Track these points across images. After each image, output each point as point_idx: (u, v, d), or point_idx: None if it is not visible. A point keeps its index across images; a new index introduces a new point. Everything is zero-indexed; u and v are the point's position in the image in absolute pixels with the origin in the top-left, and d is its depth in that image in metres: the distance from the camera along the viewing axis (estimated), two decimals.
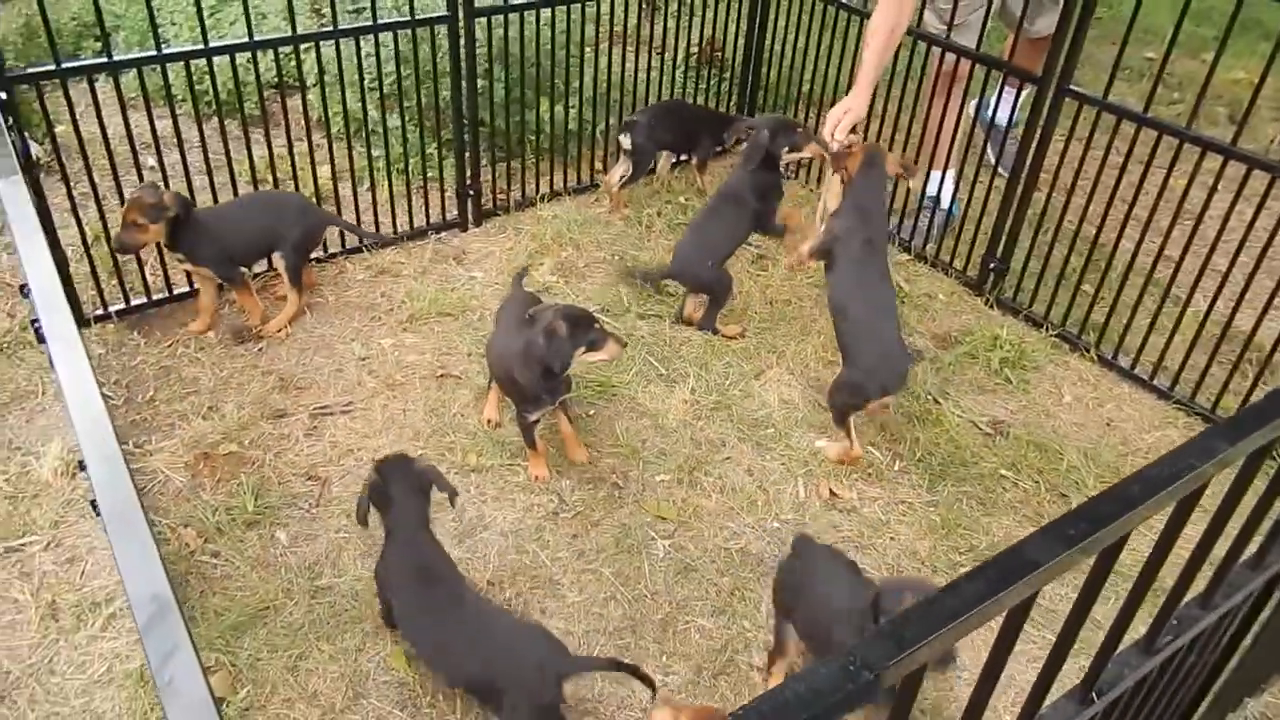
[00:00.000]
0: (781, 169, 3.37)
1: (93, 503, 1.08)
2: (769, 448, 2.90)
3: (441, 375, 3.07)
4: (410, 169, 3.84)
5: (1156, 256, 3.10)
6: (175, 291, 3.28)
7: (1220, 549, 1.27)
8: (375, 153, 3.55)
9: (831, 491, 2.77)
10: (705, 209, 3.37)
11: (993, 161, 4.01)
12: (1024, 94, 3.99)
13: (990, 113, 4.01)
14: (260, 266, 3.36)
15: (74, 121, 2.95)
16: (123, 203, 3.08)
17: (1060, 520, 0.88)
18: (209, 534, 2.50)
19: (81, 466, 2.08)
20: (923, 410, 3.04)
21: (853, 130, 3.30)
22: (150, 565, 0.80)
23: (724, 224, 3.29)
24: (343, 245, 3.58)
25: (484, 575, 2.46)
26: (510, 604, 2.39)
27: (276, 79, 3.63)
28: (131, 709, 2.08)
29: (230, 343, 3.13)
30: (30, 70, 2.85)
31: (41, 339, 1.43)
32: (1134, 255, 3.17)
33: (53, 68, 2.78)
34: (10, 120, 2.63)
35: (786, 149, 3.30)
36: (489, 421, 2.89)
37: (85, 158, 3.01)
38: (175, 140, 3.21)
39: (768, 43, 4.28)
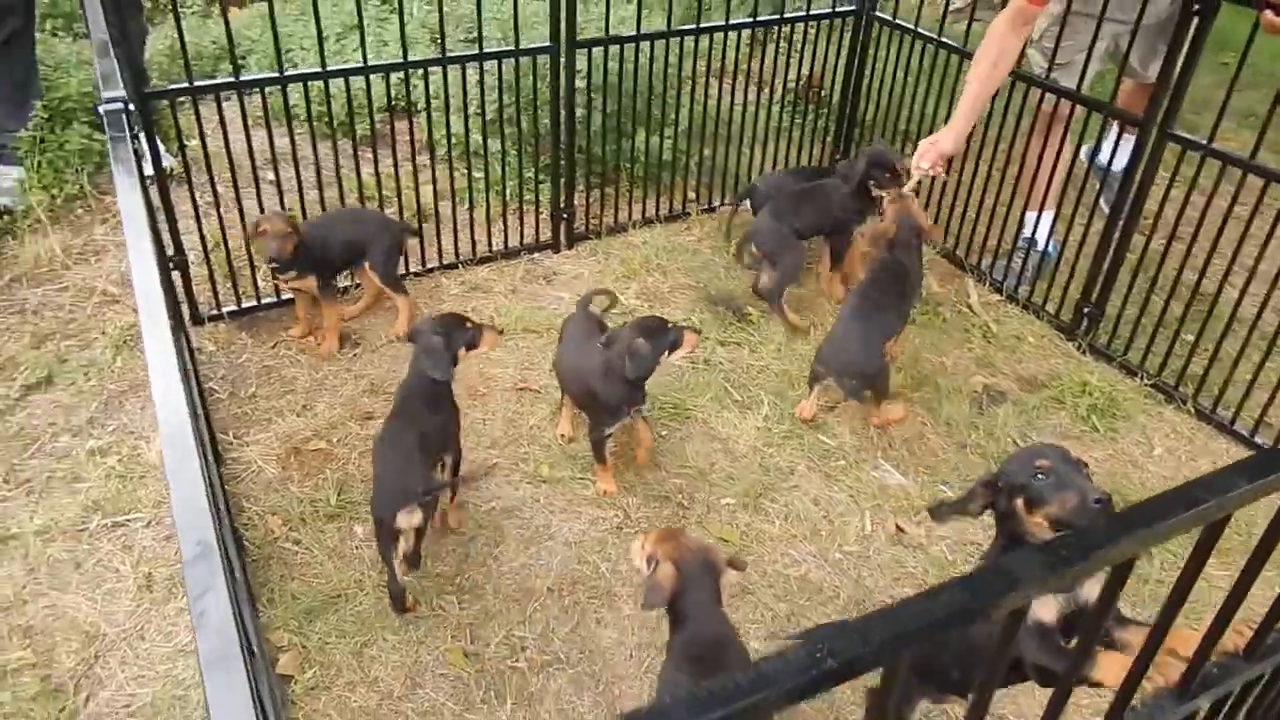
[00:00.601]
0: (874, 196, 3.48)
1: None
2: (838, 479, 2.89)
3: (522, 389, 3.18)
4: (508, 191, 4.00)
5: (1262, 307, 2.98)
6: (282, 297, 3.49)
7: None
8: (476, 174, 3.72)
9: (899, 527, 2.74)
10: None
11: (1105, 210, 3.90)
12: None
13: (1104, 158, 3.91)
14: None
15: (201, 136, 3.20)
16: (242, 214, 3.32)
17: (1057, 541, 0.89)
18: (293, 523, 2.65)
19: None
20: (1000, 452, 2.98)
21: (945, 167, 3.31)
22: (200, 512, 0.89)
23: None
24: (440, 261, 3.75)
25: (545, 582, 2.53)
26: (567, 611, 2.45)
27: (387, 103, 3.84)
28: None
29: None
30: (167, 88, 3.11)
31: None
32: (1237, 304, 3.05)
33: (185, 85, 3.03)
34: (145, 133, 2.88)
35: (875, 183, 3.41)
36: (563, 436, 2.97)
37: (210, 170, 3.25)
38: (292, 157, 3.45)
39: (866, 80, 4.29)
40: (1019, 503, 1.76)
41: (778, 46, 4.05)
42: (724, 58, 3.99)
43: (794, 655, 0.74)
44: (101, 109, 1.73)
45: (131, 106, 2.00)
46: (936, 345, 3.47)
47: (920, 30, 3.92)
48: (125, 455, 2.84)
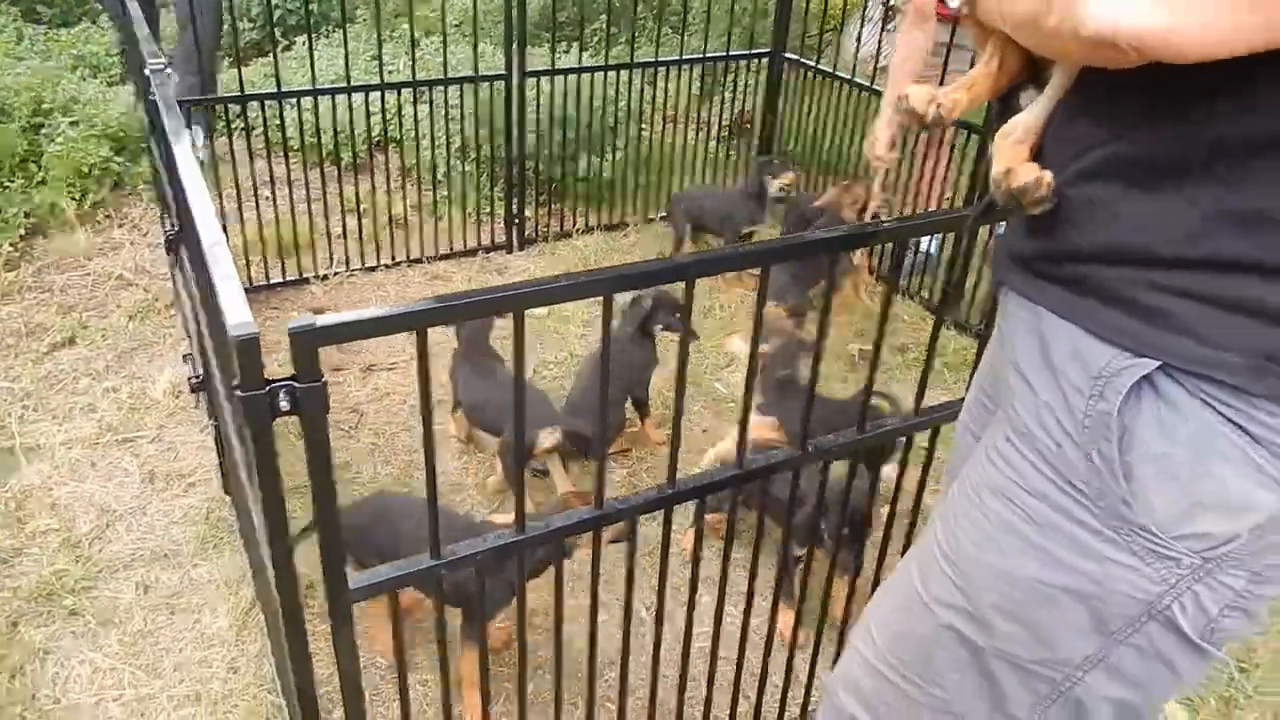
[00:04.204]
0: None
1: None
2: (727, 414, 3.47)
3: None
4: (470, 204, 4.66)
5: None
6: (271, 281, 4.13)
7: None
8: (445, 193, 4.43)
9: None
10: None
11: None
12: None
13: None
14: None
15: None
16: (242, 222, 3.97)
17: None
18: None
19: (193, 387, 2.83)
20: None
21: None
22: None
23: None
24: (408, 257, 4.38)
25: None
26: None
27: (368, 134, 4.54)
28: (199, 536, 2.77)
29: None
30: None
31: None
32: None
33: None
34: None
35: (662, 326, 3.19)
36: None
37: (217, 177, 3.92)
38: (287, 179, 4.09)
39: (784, 116, 4.97)
40: None
41: (702, 84, 4.77)
42: (655, 92, 4.69)
43: None
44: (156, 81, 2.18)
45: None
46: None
47: (829, 70, 4.60)
48: (135, 392, 3.42)
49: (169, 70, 2.12)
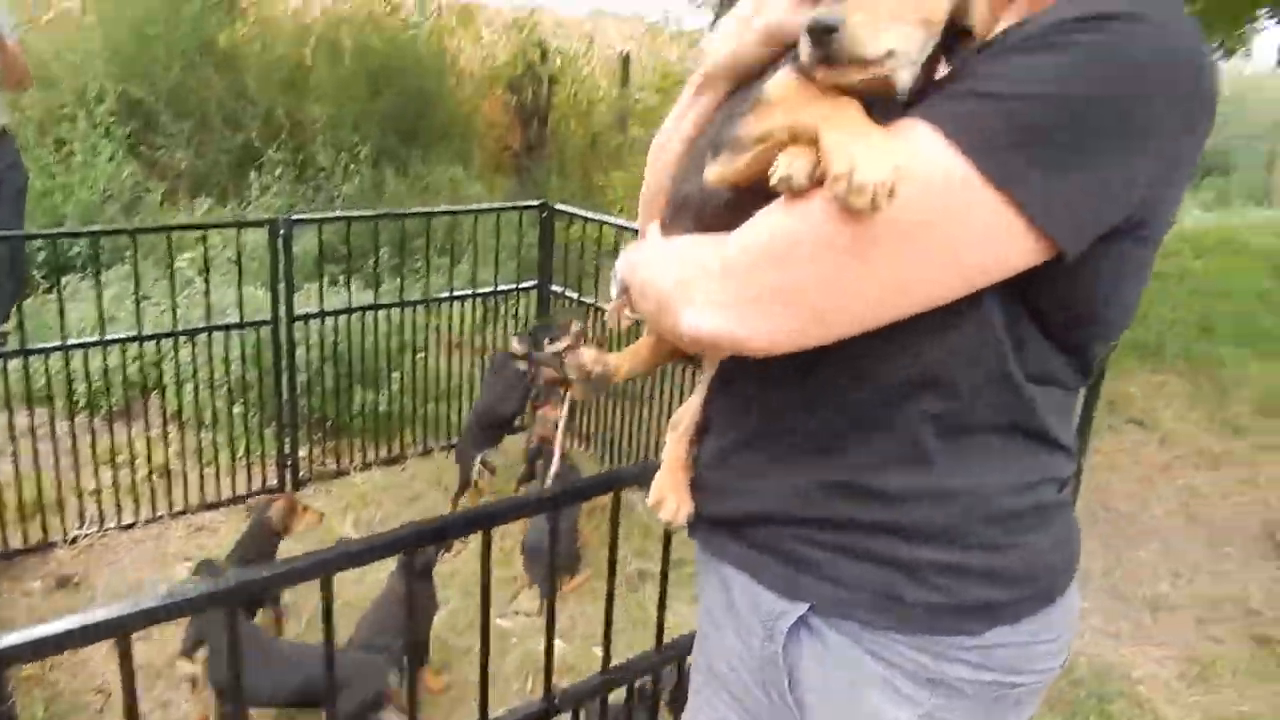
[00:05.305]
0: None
1: None
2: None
3: None
4: (241, 448, 4.53)
5: None
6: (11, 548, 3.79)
7: None
8: (219, 436, 4.31)
9: None
10: None
11: None
12: None
13: None
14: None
15: None
16: None
17: None
18: None
19: None
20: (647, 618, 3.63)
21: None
22: None
23: None
24: (170, 510, 4.16)
25: None
26: None
27: (123, 382, 4.39)
28: None
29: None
30: None
31: None
32: None
33: None
34: None
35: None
36: None
37: None
38: (30, 432, 3.88)
39: None
40: None
41: (474, 317, 4.98)
42: (432, 320, 4.85)
43: None
44: None
45: None
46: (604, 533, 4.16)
47: (590, 300, 4.94)
48: None
49: None
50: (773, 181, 0.95)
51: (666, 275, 1.09)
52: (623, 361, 1.31)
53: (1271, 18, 7.95)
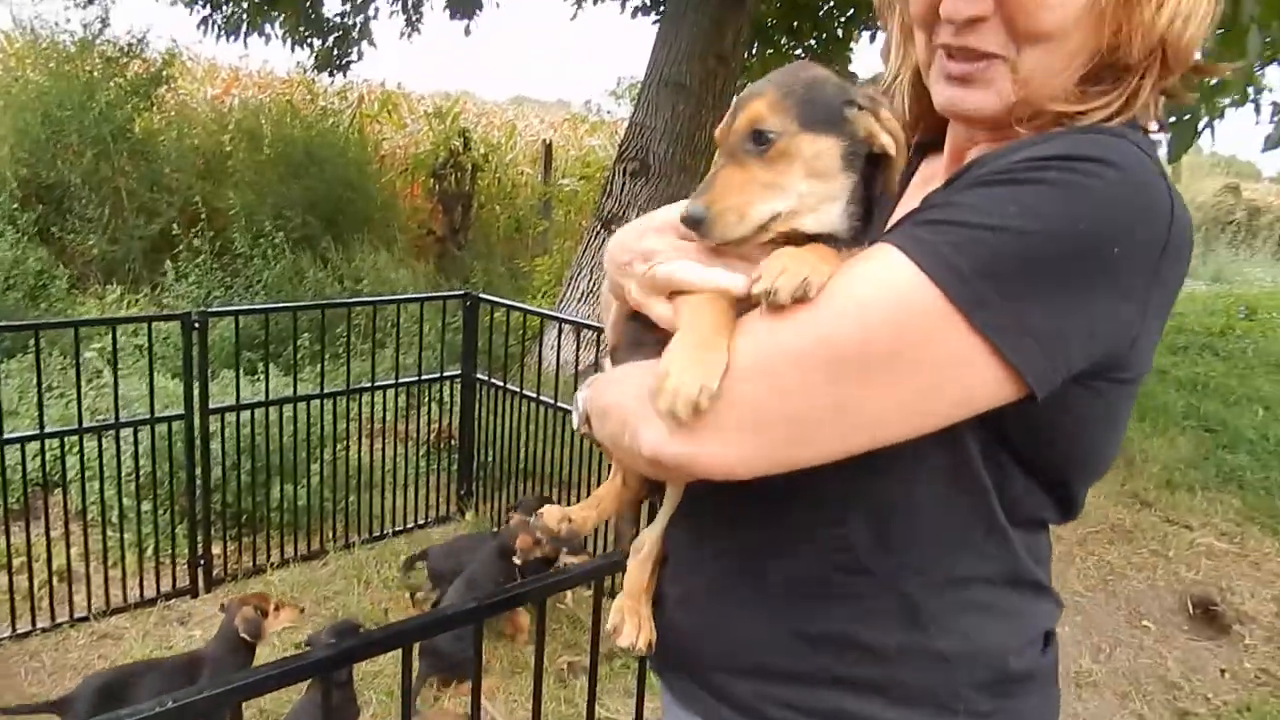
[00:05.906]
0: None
1: None
2: None
3: None
4: (149, 547, 4.32)
5: None
6: None
7: None
8: (125, 535, 4.08)
9: None
10: None
11: None
12: None
13: None
14: None
15: None
16: None
17: None
18: None
19: None
20: (578, 714, 3.53)
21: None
22: None
23: None
24: (71, 616, 3.92)
25: None
26: None
27: (21, 481, 4.18)
28: None
29: None
30: None
31: None
32: None
33: None
34: None
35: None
36: None
37: None
38: None
39: (481, 430, 5.16)
40: None
41: (397, 405, 4.90)
42: (353, 410, 4.75)
43: None
44: None
45: None
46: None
47: (516, 389, 4.90)
48: None
49: None
50: (755, 290, 0.95)
51: (626, 395, 1.05)
52: (588, 513, 1.28)
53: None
